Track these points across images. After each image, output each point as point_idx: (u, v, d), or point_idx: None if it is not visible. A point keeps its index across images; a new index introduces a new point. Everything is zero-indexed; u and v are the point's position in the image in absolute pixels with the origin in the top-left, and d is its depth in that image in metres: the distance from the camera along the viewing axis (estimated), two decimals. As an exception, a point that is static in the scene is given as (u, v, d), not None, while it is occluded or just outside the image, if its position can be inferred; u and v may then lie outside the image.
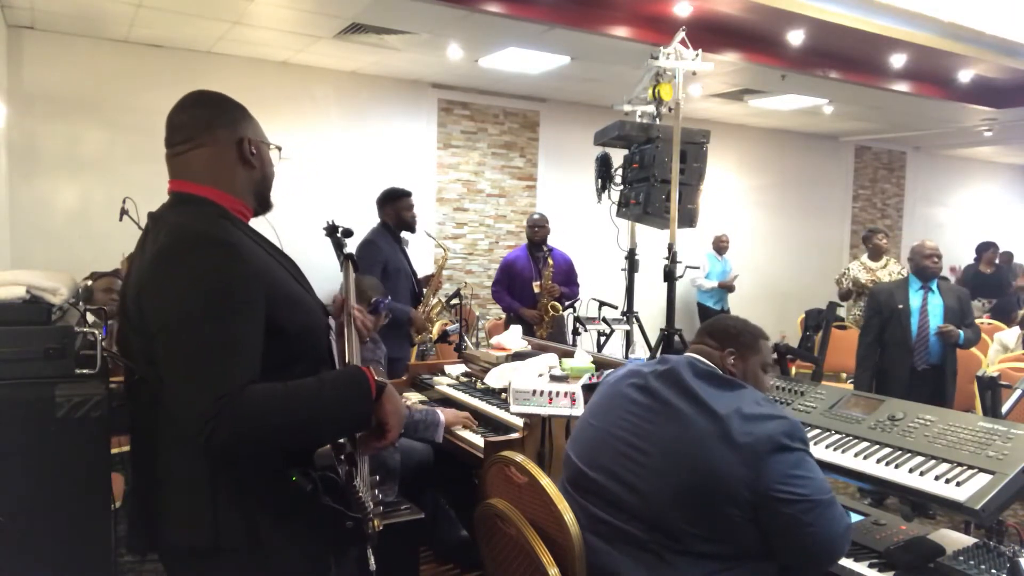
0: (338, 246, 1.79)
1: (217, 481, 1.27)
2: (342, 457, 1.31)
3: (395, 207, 4.38)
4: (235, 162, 1.42)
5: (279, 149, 1.54)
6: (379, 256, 4.17)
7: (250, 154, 1.43)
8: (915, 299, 4.20)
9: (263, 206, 1.53)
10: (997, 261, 8.24)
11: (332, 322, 1.57)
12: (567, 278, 5.32)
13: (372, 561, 1.42)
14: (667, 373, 1.79)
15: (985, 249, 8.22)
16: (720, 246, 8.07)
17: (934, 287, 4.22)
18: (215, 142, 1.40)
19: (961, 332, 4.09)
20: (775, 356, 3.76)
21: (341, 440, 1.34)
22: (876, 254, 6.07)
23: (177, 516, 1.30)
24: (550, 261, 5.13)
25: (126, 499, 1.46)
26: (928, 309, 4.15)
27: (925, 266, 4.20)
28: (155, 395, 1.30)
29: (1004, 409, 2.63)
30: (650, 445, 1.69)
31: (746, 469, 1.56)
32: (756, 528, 1.58)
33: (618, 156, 4.36)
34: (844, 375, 6.22)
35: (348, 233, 1.82)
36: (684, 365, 1.79)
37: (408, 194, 4.44)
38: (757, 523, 1.57)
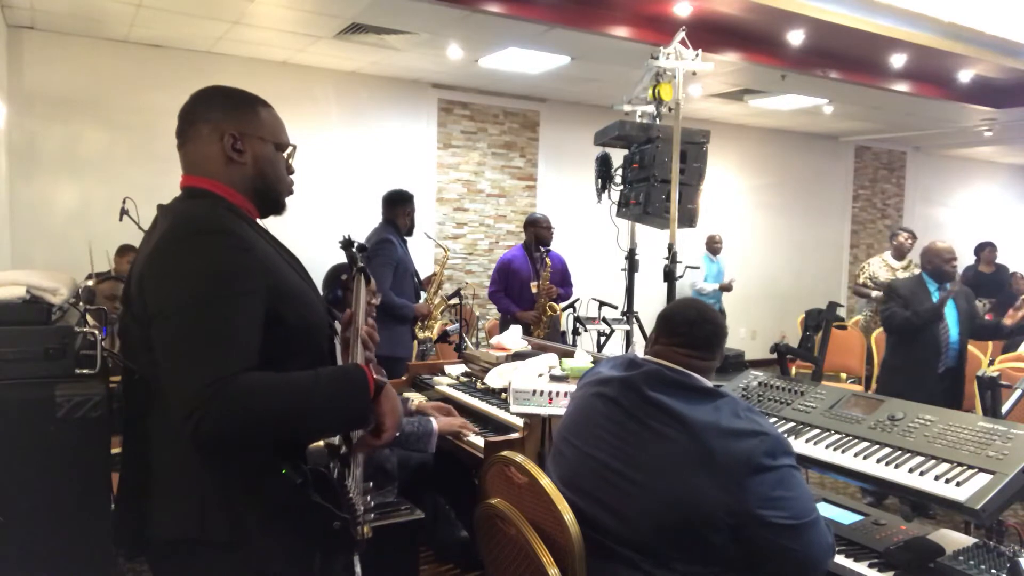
0: (352, 260, 1.80)
1: (205, 472, 1.25)
2: (335, 455, 1.28)
3: (405, 209, 4.45)
4: (220, 157, 1.40)
5: (293, 148, 1.50)
6: (394, 255, 4.20)
7: (232, 149, 1.40)
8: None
9: (268, 207, 1.49)
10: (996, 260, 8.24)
11: (339, 329, 1.56)
12: (563, 279, 5.34)
13: (358, 569, 1.39)
14: (635, 386, 1.71)
15: (983, 249, 8.21)
16: (713, 247, 7.72)
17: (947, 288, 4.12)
18: (198, 137, 1.40)
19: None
20: (775, 356, 3.79)
21: (335, 438, 1.32)
22: (899, 253, 6.00)
23: (164, 508, 1.29)
24: (548, 262, 5.14)
25: (117, 497, 1.44)
26: (945, 312, 4.05)
27: (945, 270, 4.09)
28: (150, 392, 1.29)
29: (1004, 409, 2.63)
30: (632, 471, 1.64)
31: (725, 494, 1.53)
32: (740, 548, 1.56)
33: (618, 156, 4.36)
34: (844, 375, 6.21)
35: (363, 248, 1.83)
36: (652, 375, 1.71)
37: (413, 198, 4.53)
38: (740, 544, 1.56)
